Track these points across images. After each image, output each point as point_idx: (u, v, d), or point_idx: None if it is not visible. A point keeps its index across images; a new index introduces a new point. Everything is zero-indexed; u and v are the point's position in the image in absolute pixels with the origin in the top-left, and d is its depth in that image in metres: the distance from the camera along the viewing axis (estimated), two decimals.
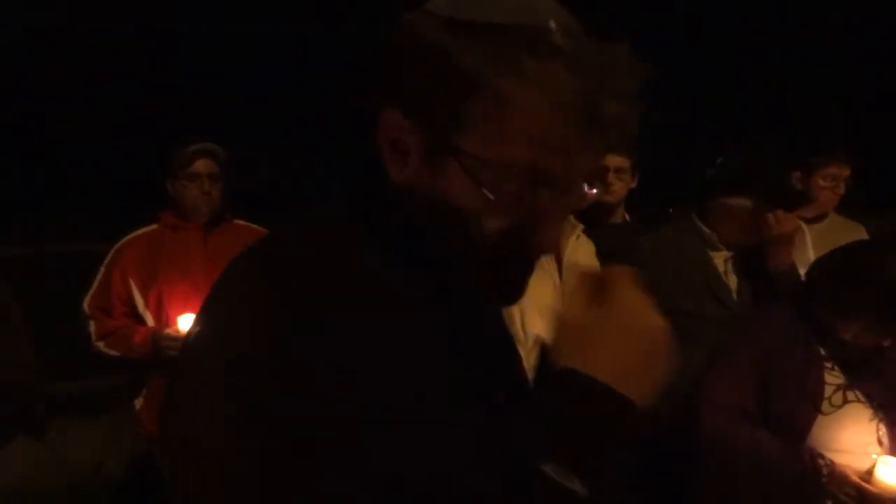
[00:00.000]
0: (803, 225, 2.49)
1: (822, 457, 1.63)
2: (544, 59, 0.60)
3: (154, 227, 2.46)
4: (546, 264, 1.97)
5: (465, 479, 0.56)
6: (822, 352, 1.75)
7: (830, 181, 2.68)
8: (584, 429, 0.60)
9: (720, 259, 2.29)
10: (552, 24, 0.61)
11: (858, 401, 1.70)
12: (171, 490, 0.64)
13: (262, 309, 0.59)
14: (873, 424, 1.68)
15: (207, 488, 0.58)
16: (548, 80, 0.60)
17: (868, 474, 1.59)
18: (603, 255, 2.31)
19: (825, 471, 1.61)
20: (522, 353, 1.91)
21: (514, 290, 0.71)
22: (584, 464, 0.58)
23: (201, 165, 2.41)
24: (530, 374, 1.83)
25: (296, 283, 0.60)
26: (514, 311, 1.90)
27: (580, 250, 2.12)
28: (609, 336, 0.64)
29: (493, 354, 0.75)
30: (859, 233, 2.71)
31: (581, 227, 2.14)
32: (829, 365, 1.73)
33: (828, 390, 1.70)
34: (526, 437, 0.59)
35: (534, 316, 1.91)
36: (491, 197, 0.62)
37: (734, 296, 2.25)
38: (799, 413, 1.69)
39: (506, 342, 0.81)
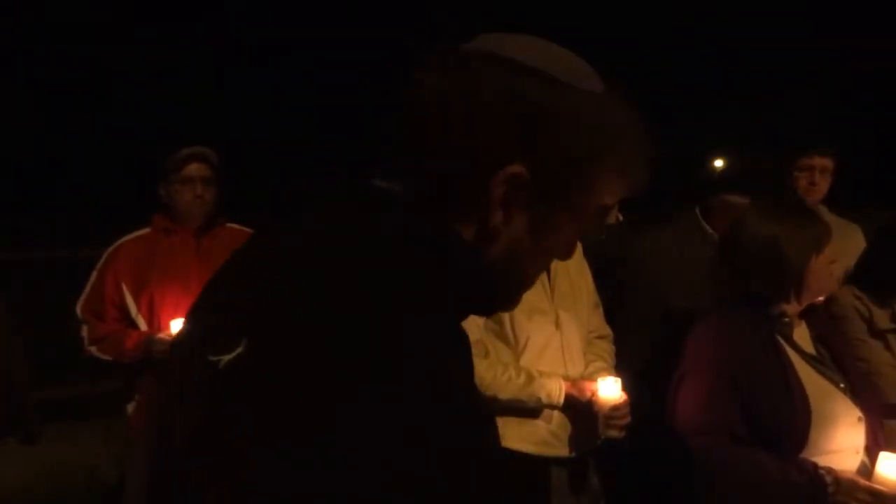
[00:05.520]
0: None
1: (824, 468, 1.52)
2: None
3: (146, 230, 2.44)
4: None
5: None
6: (787, 348, 1.66)
7: (805, 171, 2.67)
8: None
9: None
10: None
11: (840, 397, 1.64)
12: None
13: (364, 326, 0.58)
14: (858, 419, 1.63)
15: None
16: None
17: (860, 475, 1.53)
18: (598, 254, 2.30)
19: (829, 479, 1.50)
20: (512, 355, 1.89)
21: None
22: None
23: (194, 169, 2.39)
24: (521, 374, 1.76)
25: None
26: (504, 314, 1.89)
27: None
28: None
29: None
30: (856, 233, 2.67)
31: None
32: (799, 363, 1.64)
33: (809, 389, 1.60)
34: None
35: (522, 318, 1.91)
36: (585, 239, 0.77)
37: None
38: (793, 418, 1.58)
39: None
